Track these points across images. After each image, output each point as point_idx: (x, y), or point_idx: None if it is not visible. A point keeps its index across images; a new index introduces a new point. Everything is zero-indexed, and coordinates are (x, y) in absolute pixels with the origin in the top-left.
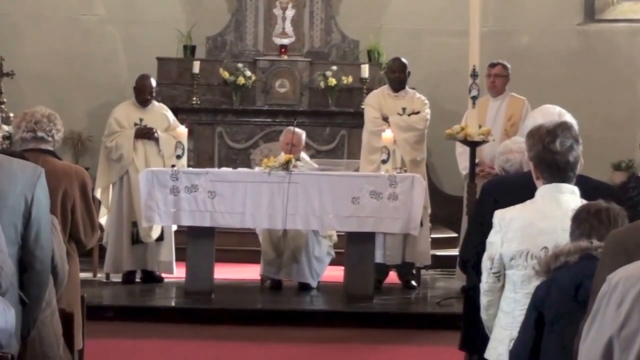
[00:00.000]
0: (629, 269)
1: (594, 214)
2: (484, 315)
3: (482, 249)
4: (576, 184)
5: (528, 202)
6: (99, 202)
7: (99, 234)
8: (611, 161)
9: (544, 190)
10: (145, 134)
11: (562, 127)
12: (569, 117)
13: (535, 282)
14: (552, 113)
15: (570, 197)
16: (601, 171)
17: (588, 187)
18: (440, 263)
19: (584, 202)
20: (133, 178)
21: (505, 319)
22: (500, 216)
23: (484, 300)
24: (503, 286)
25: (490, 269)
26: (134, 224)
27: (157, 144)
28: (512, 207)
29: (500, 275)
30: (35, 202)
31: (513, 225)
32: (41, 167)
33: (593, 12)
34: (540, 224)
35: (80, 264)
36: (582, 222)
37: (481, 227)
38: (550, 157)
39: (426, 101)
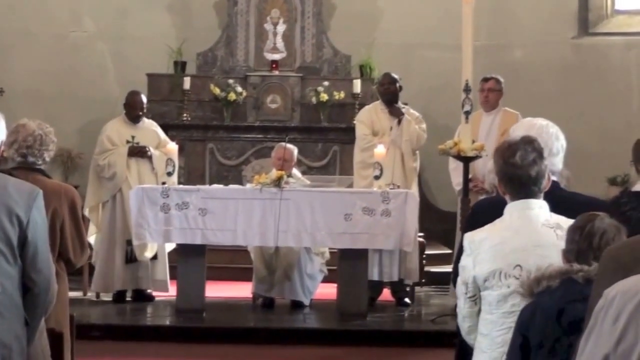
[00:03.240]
0: (626, 284)
1: (585, 237)
2: (468, 340)
3: None
4: (567, 201)
5: (497, 221)
6: (88, 221)
7: (88, 253)
8: (606, 176)
9: (512, 208)
10: (138, 152)
11: (524, 141)
12: (553, 130)
13: (512, 301)
14: (532, 125)
15: (539, 212)
16: (596, 186)
17: (579, 204)
18: (434, 280)
19: (554, 215)
20: (127, 196)
21: (484, 341)
22: (470, 238)
23: (464, 325)
24: (480, 310)
25: (466, 293)
26: (128, 242)
27: (150, 162)
28: (481, 229)
29: (476, 299)
30: (31, 224)
31: (484, 246)
32: (39, 188)
33: (587, 26)
34: (511, 242)
35: (70, 283)
36: (572, 241)
37: None
38: (512, 172)
39: (421, 118)
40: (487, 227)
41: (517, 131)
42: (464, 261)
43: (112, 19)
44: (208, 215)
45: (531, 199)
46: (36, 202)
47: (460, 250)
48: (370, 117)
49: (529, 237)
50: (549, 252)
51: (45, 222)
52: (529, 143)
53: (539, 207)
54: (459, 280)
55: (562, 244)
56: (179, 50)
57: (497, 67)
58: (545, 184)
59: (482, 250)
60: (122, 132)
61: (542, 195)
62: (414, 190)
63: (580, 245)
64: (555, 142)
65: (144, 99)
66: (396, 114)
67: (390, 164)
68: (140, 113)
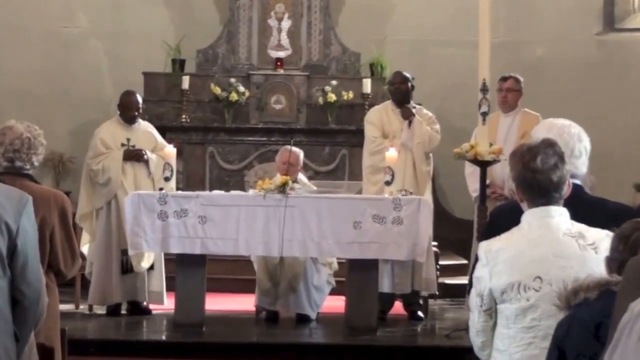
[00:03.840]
0: None
1: (630, 246)
2: (480, 356)
3: None
4: (592, 208)
5: (514, 229)
6: (81, 229)
7: (80, 263)
8: (633, 181)
9: (530, 216)
10: (134, 155)
11: (545, 144)
12: (575, 130)
13: (531, 315)
14: (553, 126)
15: (559, 220)
16: (622, 192)
17: (605, 212)
18: (449, 292)
19: (575, 224)
20: (122, 203)
21: (501, 357)
22: (487, 248)
23: (477, 340)
24: (496, 323)
25: (481, 306)
26: (124, 252)
27: (147, 166)
28: (497, 237)
29: (492, 312)
30: (21, 233)
31: (501, 256)
32: (28, 195)
33: (613, 21)
34: (530, 253)
35: (62, 295)
36: (615, 250)
37: None
38: (531, 177)
39: (435, 119)
40: (505, 236)
41: (539, 133)
42: (479, 272)
43: (106, 14)
44: (208, 223)
45: (551, 206)
46: (26, 209)
47: (477, 261)
48: (381, 117)
49: (550, 247)
50: (570, 263)
51: (35, 231)
52: (550, 146)
53: (560, 214)
54: (473, 292)
55: (584, 254)
56: (178, 48)
57: (516, 65)
58: (566, 190)
59: (499, 261)
60: (116, 135)
61: (562, 202)
62: (428, 196)
63: (623, 255)
64: (577, 143)
65: (140, 99)
66: (407, 114)
67: (401, 169)
68: (136, 114)
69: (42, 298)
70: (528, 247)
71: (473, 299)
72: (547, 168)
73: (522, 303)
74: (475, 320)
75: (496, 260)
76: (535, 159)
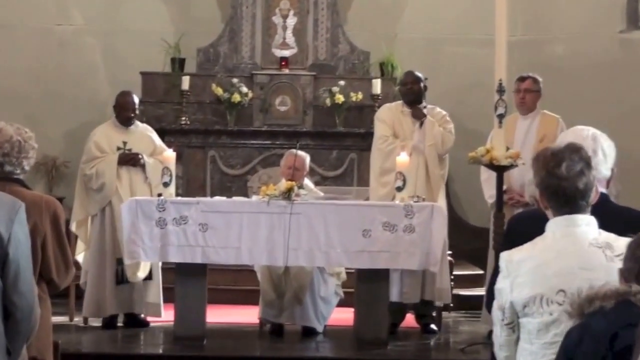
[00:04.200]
0: None
1: None
2: None
3: None
4: (617, 217)
5: (538, 239)
6: (76, 237)
7: (74, 273)
8: None
9: (555, 224)
10: (129, 159)
11: (570, 150)
12: (604, 140)
13: (554, 330)
14: (584, 136)
15: (586, 229)
16: None
17: (632, 221)
18: (464, 304)
19: (603, 233)
20: (117, 210)
21: None
22: (508, 259)
23: (500, 355)
24: (519, 338)
25: (502, 320)
26: (119, 262)
27: (143, 171)
28: (520, 248)
29: (514, 326)
30: (12, 241)
31: (523, 267)
32: (21, 201)
33: (637, 19)
34: (553, 264)
35: (55, 307)
36: (631, 259)
37: None
38: (556, 184)
39: (448, 118)
40: (527, 246)
41: (566, 140)
42: (500, 284)
43: (102, 10)
44: (209, 230)
45: (577, 214)
46: (18, 216)
47: (496, 271)
48: (392, 116)
49: (575, 258)
50: (597, 275)
51: (28, 239)
52: (576, 152)
53: (586, 223)
54: (495, 304)
55: (611, 266)
56: (177, 46)
57: (534, 65)
58: (594, 197)
59: (521, 273)
60: (112, 138)
61: (589, 209)
62: (442, 202)
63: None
64: (602, 148)
65: (136, 99)
66: (418, 115)
67: (413, 173)
68: (132, 115)
69: (35, 310)
70: (552, 258)
71: (495, 312)
72: (573, 174)
73: (545, 317)
74: (498, 334)
75: (518, 272)
76: (560, 165)
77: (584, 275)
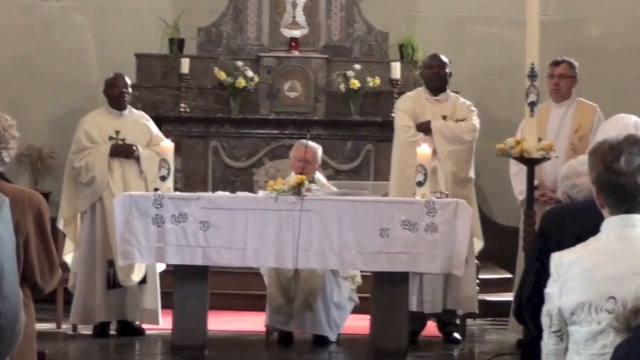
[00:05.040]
0: None
1: None
2: None
3: (541, 294)
4: None
5: (591, 240)
6: (63, 236)
7: (60, 276)
8: None
9: (609, 224)
10: (123, 151)
11: (630, 142)
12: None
13: (603, 341)
14: (626, 124)
15: None
16: None
17: None
18: (490, 311)
19: None
20: (108, 206)
21: None
22: (557, 261)
23: None
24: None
25: (550, 327)
26: (110, 264)
27: (138, 164)
28: (571, 249)
29: (562, 334)
30: None
31: (572, 271)
32: (4, 196)
33: None
34: (605, 268)
35: (41, 313)
36: None
37: (541, 267)
38: (615, 179)
39: (473, 107)
40: (579, 248)
41: (608, 130)
42: (550, 288)
43: None
44: (211, 229)
45: (635, 214)
46: (1, 212)
47: (525, 276)
48: (414, 107)
49: (628, 262)
50: None
51: (12, 238)
52: (635, 144)
53: None
54: (544, 309)
55: None
56: (176, 25)
57: (569, 48)
58: None
59: (571, 277)
60: (104, 126)
61: None
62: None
63: None
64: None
65: (128, 80)
66: (422, 129)
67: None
68: (124, 92)
69: (21, 315)
70: (603, 261)
71: (544, 318)
72: (632, 169)
73: (593, 326)
74: (546, 341)
75: (567, 276)
76: (618, 159)
77: (636, 282)
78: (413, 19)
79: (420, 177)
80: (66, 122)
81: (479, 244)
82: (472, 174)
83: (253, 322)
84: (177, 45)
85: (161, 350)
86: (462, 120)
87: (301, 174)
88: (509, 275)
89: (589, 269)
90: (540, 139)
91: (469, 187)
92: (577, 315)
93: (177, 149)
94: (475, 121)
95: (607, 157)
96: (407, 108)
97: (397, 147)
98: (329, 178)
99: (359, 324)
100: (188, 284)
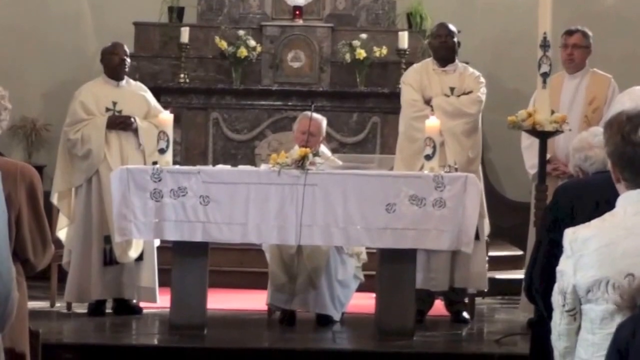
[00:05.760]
0: None
1: None
2: None
3: (553, 271)
4: None
5: (607, 215)
6: (57, 211)
7: (53, 252)
8: None
9: (626, 199)
10: (120, 122)
11: None
12: None
13: (620, 319)
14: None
15: None
16: None
17: None
18: (500, 289)
19: None
20: (105, 180)
21: None
22: (572, 237)
23: (559, 346)
24: (580, 327)
25: (563, 305)
26: (107, 240)
27: (136, 136)
28: (586, 224)
29: (576, 314)
30: None
31: (588, 247)
32: None
33: None
34: (623, 244)
35: (34, 290)
36: None
37: (553, 242)
38: (632, 152)
39: (482, 79)
40: (595, 223)
41: (625, 102)
42: (563, 265)
43: None
44: (211, 204)
45: None
46: None
47: (536, 252)
48: (420, 80)
49: None
50: None
51: (4, 212)
52: None
53: None
54: (556, 288)
55: None
56: None
57: (583, 17)
58: None
59: (587, 253)
60: (100, 97)
61: None
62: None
63: None
64: None
65: (127, 49)
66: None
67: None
68: (123, 61)
69: (13, 293)
70: (621, 237)
71: (555, 297)
72: None
73: (610, 305)
74: (557, 321)
75: (582, 252)
76: (637, 130)
77: None
78: None
79: (428, 151)
80: (62, 93)
81: (485, 221)
82: (478, 150)
83: (254, 301)
84: (176, 13)
85: (159, 330)
86: (468, 94)
87: (305, 147)
88: (520, 252)
89: (606, 245)
90: (553, 112)
91: (476, 164)
92: (592, 293)
93: (177, 121)
94: (482, 93)
95: (624, 128)
96: (413, 81)
97: (403, 122)
98: (333, 151)
99: (364, 302)
100: (187, 261)
